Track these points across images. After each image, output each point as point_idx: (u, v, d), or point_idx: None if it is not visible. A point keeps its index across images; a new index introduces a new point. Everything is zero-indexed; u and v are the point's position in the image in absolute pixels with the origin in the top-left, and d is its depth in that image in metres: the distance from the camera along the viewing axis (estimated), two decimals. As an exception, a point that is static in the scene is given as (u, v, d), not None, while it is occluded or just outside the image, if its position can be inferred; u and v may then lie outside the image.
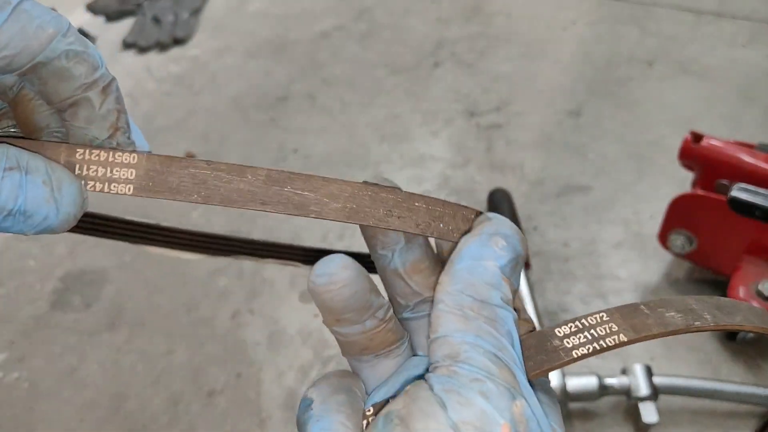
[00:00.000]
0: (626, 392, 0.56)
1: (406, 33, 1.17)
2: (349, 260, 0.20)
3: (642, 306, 0.22)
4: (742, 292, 0.58)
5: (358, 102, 1.01)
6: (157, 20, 1.27)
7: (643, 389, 0.55)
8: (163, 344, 0.67)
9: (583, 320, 0.22)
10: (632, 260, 0.70)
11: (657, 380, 0.56)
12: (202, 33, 1.25)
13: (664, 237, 0.65)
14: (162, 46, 1.20)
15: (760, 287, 0.57)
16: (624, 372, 0.57)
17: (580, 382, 0.56)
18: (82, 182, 0.20)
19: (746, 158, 0.59)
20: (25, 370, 0.66)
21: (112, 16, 1.32)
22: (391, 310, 0.21)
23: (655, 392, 0.55)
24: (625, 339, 0.21)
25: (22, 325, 0.71)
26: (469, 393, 0.17)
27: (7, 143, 0.19)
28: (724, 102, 0.92)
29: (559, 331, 0.22)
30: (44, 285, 0.76)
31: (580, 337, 0.21)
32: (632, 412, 0.57)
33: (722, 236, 0.61)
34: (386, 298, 0.22)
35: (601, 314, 0.22)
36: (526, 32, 1.14)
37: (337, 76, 1.08)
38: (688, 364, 0.61)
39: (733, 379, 0.59)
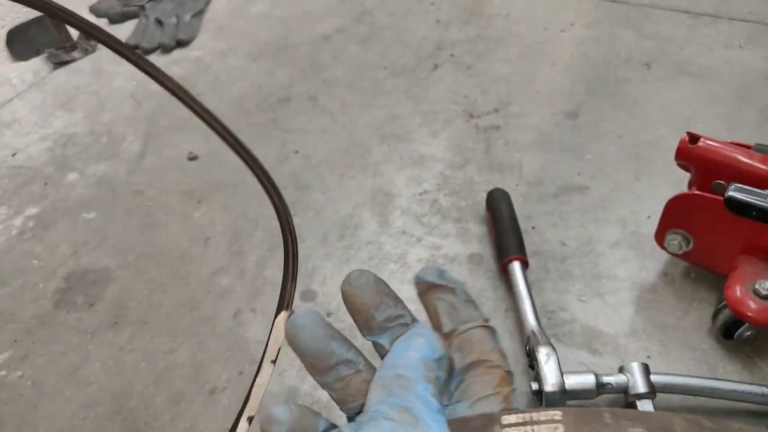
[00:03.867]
0: (623, 390, 0.56)
1: (406, 35, 1.18)
2: (315, 315, 0.26)
3: (606, 413, 0.21)
4: (738, 291, 0.58)
5: (359, 103, 1.02)
6: (159, 22, 1.28)
7: (641, 387, 0.55)
8: (166, 343, 0.68)
9: (534, 414, 0.21)
10: (630, 260, 0.71)
11: (654, 378, 0.56)
12: (205, 35, 1.26)
13: (660, 237, 0.66)
14: (165, 48, 1.21)
15: (757, 286, 0.58)
16: (621, 370, 0.57)
17: (578, 379, 0.56)
18: None
19: (743, 159, 0.59)
20: (28, 368, 0.67)
21: (114, 19, 1.33)
22: (360, 365, 0.27)
23: (653, 390, 0.55)
24: None
25: (25, 324, 0.72)
26: (367, 427, 0.23)
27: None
28: (721, 103, 0.93)
29: (505, 419, 0.22)
30: (48, 284, 0.76)
31: (521, 429, 0.21)
32: (629, 410, 0.57)
33: (719, 236, 0.61)
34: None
35: (555, 413, 0.21)
36: (525, 34, 1.14)
37: (337, 78, 1.08)
38: (684, 362, 0.61)
39: (730, 377, 0.60)
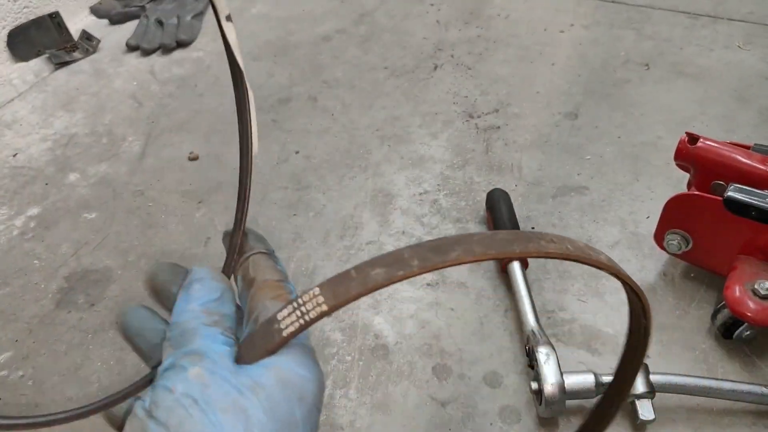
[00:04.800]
0: (623, 389, 0.56)
1: (405, 36, 1.18)
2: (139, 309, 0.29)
3: (352, 270, 0.23)
4: (738, 291, 0.59)
5: (359, 104, 1.02)
6: (160, 23, 1.28)
7: (640, 387, 0.56)
8: (166, 343, 0.68)
9: (299, 298, 0.24)
10: (629, 259, 0.71)
11: (653, 378, 0.56)
12: (205, 36, 1.26)
13: (659, 237, 0.66)
14: (165, 49, 1.22)
15: (756, 286, 0.58)
16: (620, 369, 0.58)
17: (577, 379, 0.56)
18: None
19: (742, 159, 0.60)
20: (29, 368, 0.67)
21: (115, 20, 1.33)
22: None
23: (652, 390, 0.56)
24: (326, 308, 0.23)
25: (26, 323, 0.72)
26: (161, 380, 0.25)
27: None
28: (719, 103, 0.93)
29: (279, 315, 0.24)
30: (49, 284, 0.77)
31: (293, 315, 0.24)
32: (629, 410, 0.57)
33: (718, 236, 0.62)
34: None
35: (314, 289, 0.23)
36: (524, 35, 1.15)
37: (338, 79, 1.09)
38: (683, 362, 0.61)
39: (729, 377, 0.60)
